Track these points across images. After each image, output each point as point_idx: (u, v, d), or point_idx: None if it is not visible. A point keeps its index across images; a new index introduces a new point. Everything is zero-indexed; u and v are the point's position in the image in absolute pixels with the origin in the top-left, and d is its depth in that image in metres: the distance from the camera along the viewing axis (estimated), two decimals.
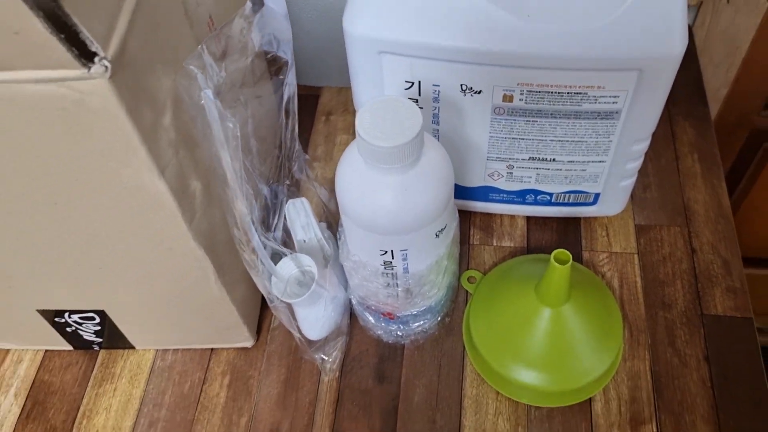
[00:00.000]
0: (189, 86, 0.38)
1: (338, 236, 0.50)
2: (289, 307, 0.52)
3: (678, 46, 0.45)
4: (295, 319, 0.52)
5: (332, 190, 0.62)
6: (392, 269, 0.47)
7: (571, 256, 0.47)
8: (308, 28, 0.66)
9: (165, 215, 0.41)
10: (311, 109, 0.71)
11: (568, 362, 0.51)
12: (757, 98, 0.88)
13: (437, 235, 0.46)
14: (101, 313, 0.51)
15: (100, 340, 0.55)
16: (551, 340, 0.51)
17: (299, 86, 0.71)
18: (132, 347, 0.56)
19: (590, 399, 0.52)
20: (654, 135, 0.53)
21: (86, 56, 0.31)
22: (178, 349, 0.56)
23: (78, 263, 0.45)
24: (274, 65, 0.47)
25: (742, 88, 0.85)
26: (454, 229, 0.49)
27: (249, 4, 0.40)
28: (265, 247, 0.47)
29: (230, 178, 0.38)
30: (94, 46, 0.31)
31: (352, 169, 0.44)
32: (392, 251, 0.45)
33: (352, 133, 0.69)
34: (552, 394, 0.51)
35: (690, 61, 0.71)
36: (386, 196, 0.42)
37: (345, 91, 0.72)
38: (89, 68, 0.31)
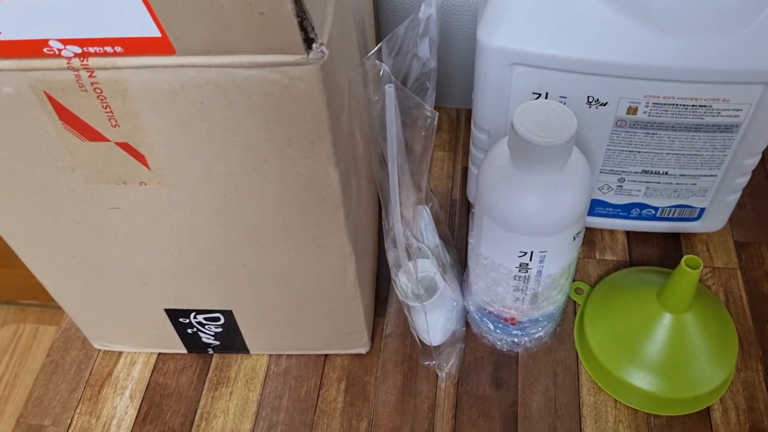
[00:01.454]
0: (360, 84, 0.39)
1: (468, 239, 0.51)
2: (408, 310, 0.53)
3: None
4: (414, 324, 0.53)
5: (443, 203, 0.64)
6: (527, 272, 0.48)
7: (701, 262, 0.48)
8: None
9: (328, 208, 0.42)
10: None
11: (687, 370, 0.52)
12: None
13: (574, 238, 0.47)
14: (228, 314, 0.52)
15: (217, 343, 0.55)
16: (671, 346, 0.51)
17: None
18: (246, 351, 0.57)
19: (708, 409, 0.52)
20: None
21: (307, 42, 0.33)
22: (291, 355, 0.57)
23: (224, 259, 0.46)
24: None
25: None
26: (582, 234, 0.50)
27: (423, 7, 0.42)
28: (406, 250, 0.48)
29: (391, 178, 0.40)
30: (313, 33, 0.33)
31: (499, 169, 0.45)
32: (531, 252, 0.47)
33: (447, 150, 0.71)
34: (670, 402, 0.52)
35: None
36: (537, 197, 0.44)
37: (440, 111, 0.73)
38: (308, 54, 0.33)
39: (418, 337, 0.54)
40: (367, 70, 0.39)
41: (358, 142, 0.43)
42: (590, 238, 0.63)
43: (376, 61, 0.38)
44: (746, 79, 0.48)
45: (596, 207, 0.60)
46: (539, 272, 0.48)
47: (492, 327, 0.55)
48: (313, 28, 0.32)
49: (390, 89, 0.38)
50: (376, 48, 0.39)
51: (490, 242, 0.48)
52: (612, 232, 0.63)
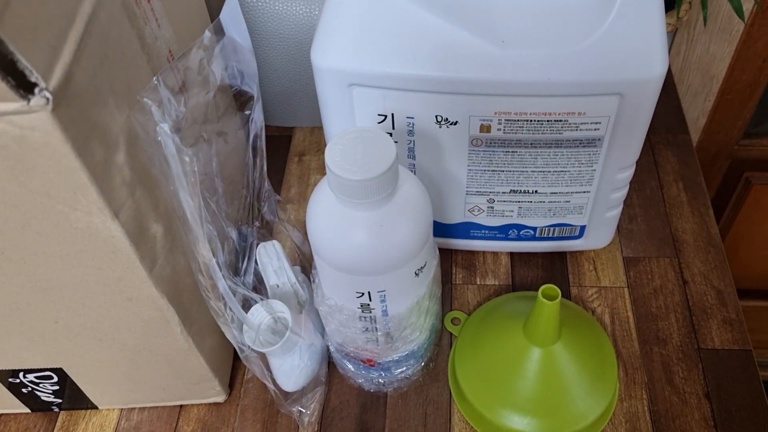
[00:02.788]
0: (145, 121, 0.35)
1: (312, 279, 0.47)
2: (263, 357, 0.49)
3: (658, 68, 0.43)
4: (269, 369, 0.49)
5: (306, 232, 0.60)
6: (370, 312, 0.44)
7: (560, 291, 0.44)
8: (278, 67, 0.64)
9: (122, 262, 0.38)
10: (284, 150, 0.68)
11: (562, 405, 0.48)
12: (736, 128, 0.87)
13: (417, 274, 0.43)
14: (59, 372, 0.48)
15: (59, 400, 0.51)
16: (543, 382, 0.48)
17: (270, 127, 0.69)
18: (95, 407, 0.52)
19: None
20: (637, 165, 0.51)
21: (26, 87, 0.28)
22: (144, 407, 0.52)
23: (32, 317, 0.42)
24: (239, 100, 0.44)
25: (721, 118, 0.84)
26: (434, 267, 0.46)
27: (208, 34, 0.38)
28: (234, 294, 0.44)
29: (190, 218, 0.36)
30: (34, 77, 0.28)
31: (324, 206, 0.41)
32: (369, 293, 0.43)
33: (323, 174, 0.67)
34: None
35: (668, 89, 0.70)
36: (360, 234, 0.40)
37: (318, 131, 0.69)
38: (29, 100, 0.29)
39: (275, 382, 0.50)
40: (149, 106, 0.35)
41: (158, 184, 0.39)
42: (471, 261, 0.59)
43: (145, 99, 0.33)
44: (596, 91, 0.44)
45: (472, 230, 0.56)
46: (384, 312, 0.44)
47: (353, 368, 0.51)
48: (32, 71, 0.28)
49: (163, 126, 0.34)
50: (150, 85, 0.35)
51: (329, 283, 0.44)
52: (495, 254, 0.59)
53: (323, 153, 0.68)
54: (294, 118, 0.69)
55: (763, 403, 0.50)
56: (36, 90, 0.29)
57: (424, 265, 0.44)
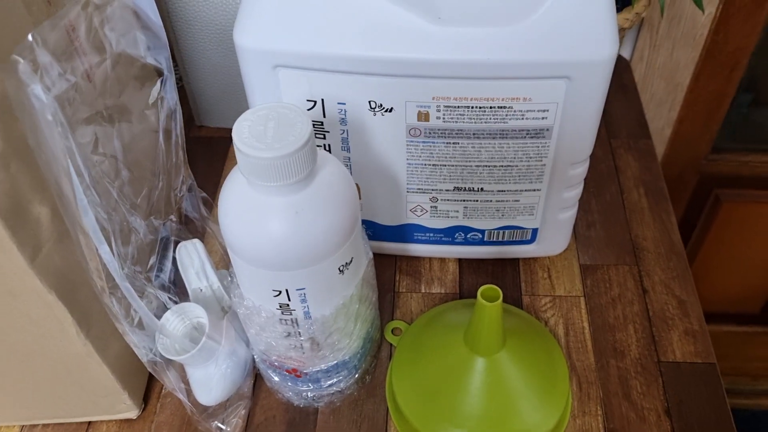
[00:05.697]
0: (18, 87, 0.31)
1: (229, 278, 0.42)
2: (181, 367, 0.44)
3: (607, 50, 0.40)
4: (186, 382, 0.44)
5: None
6: (291, 314, 0.40)
7: (500, 292, 0.40)
8: (214, 62, 0.60)
9: None
10: (221, 152, 0.64)
11: (507, 420, 0.43)
12: (704, 141, 0.84)
13: (341, 271, 0.39)
14: None
15: None
16: (486, 395, 0.43)
17: (207, 128, 0.65)
18: None
19: None
20: (596, 170, 0.47)
21: None
22: (48, 424, 0.47)
23: None
24: (148, 77, 0.40)
25: (687, 130, 0.81)
26: (364, 266, 0.42)
27: None
28: (143, 294, 0.39)
29: (66, 192, 0.31)
30: None
31: (235, 193, 0.37)
32: (287, 291, 0.38)
33: None
34: None
35: (630, 93, 0.66)
36: (274, 222, 0.36)
37: None
38: None
39: (191, 395, 0.45)
40: (18, 64, 0.31)
41: (40, 163, 0.34)
42: (416, 268, 0.54)
43: (14, 56, 0.29)
44: (541, 74, 0.41)
45: (415, 233, 0.52)
46: (306, 314, 0.40)
47: (278, 380, 0.46)
48: None
49: (34, 88, 0.29)
50: (25, 42, 0.30)
51: (244, 281, 0.40)
52: (443, 260, 0.55)
53: None
54: (231, 117, 0.65)
55: (727, 420, 0.45)
56: None
57: (350, 261, 0.39)
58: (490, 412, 0.43)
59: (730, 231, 0.96)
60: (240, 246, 0.37)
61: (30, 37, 0.30)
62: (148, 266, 0.42)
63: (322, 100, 0.43)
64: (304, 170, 0.34)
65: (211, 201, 0.51)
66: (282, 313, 0.40)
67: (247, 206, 0.36)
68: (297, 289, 0.38)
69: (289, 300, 0.39)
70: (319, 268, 0.37)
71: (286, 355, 0.43)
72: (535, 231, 0.52)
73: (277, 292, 0.38)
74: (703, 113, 0.78)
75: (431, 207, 0.50)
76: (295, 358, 0.43)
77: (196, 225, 0.49)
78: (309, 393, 0.46)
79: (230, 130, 0.65)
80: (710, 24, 0.67)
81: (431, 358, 0.45)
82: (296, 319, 0.40)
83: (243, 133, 0.34)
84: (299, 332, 0.41)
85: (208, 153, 0.64)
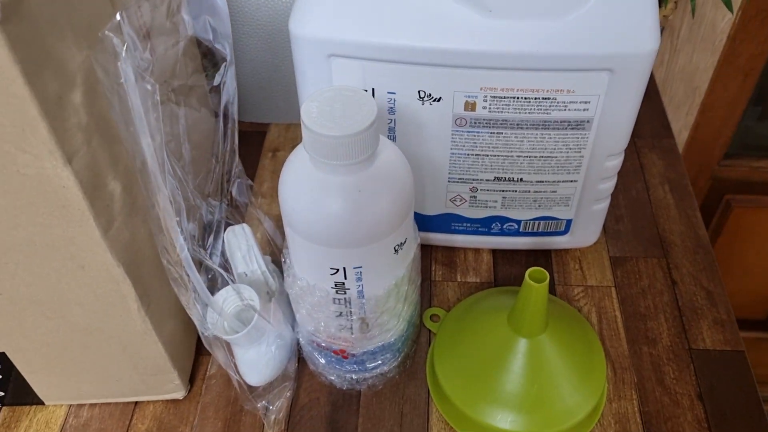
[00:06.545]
0: (106, 62, 0.32)
1: (283, 260, 0.44)
2: (228, 346, 0.45)
3: (650, 44, 0.42)
4: (233, 359, 0.45)
5: (279, 225, 0.56)
6: (345, 293, 0.41)
7: (547, 274, 0.41)
8: (254, 56, 0.62)
9: (74, 217, 0.34)
10: (257, 145, 0.66)
11: (548, 401, 0.44)
12: (718, 146, 0.86)
13: (396, 251, 0.40)
14: (2, 358, 0.43)
15: (1, 394, 0.47)
16: (529, 375, 0.44)
17: (244, 123, 0.67)
18: (41, 402, 0.48)
19: None
20: (622, 168, 0.49)
21: None
22: (95, 404, 0.48)
23: None
24: (208, 63, 0.42)
25: (702, 135, 0.83)
26: (414, 248, 0.43)
27: None
28: (200, 267, 0.40)
29: (150, 163, 0.32)
30: None
31: (298, 170, 0.38)
32: (344, 269, 0.39)
33: None
34: None
35: (652, 94, 0.68)
36: (337, 201, 0.37)
37: (293, 128, 0.67)
38: None
39: (240, 376, 0.46)
40: (110, 39, 0.32)
41: (124, 136, 0.35)
42: (451, 258, 0.56)
43: (107, 32, 0.31)
44: (585, 66, 0.42)
45: (452, 223, 0.54)
46: (360, 293, 0.41)
47: (324, 362, 0.47)
48: None
49: (126, 66, 0.31)
50: (113, 22, 0.32)
51: (301, 259, 0.41)
52: (477, 251, 0.56)
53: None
54: (268, 113, 0.67)
55: (757, 405, 0.47)
56: None
57: (404, 242, 0.41)
58: (532, 393, 0.44)
59: (740, 236, 0.98)
60: (301, 223, 0.39)
61: (118, 16, 0.32)
62: (207, 245, 0.43)
63: (373, 89, 0.45)
64: (369, 150, 0.36)
65: (256, 190, 0.52)
66: (336, 291, 0.41)
67: (310, 185, 0.37)
68: (354, 268, 0.39)
69: (345, 278, 0.40)
70: (376, 246, 0.39)
71: (335, 335, 0.44)
72: (569, 222, 0.53)
73: (334, 270, 0.40)
74: (718, 118, 0.80)
75: (470, 197, 0.51)
76: (344, 338, 0.44)
77: (241, 210, 0.50)
78: (353, 375, 0.47)
79: (266, 125, 0.67)
80: (729, 29, 0.69)
81: (473, 341, 0.47)
82: (349, 299, 0.41)
83: (312, 113, 0.35)
84: (351, 311, 0.42)
85: (242, 148, 0.65)
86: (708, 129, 0.81)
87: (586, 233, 0.55)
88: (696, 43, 0.70)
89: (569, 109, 0.45)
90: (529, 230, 0.54)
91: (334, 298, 0.41)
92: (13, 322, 0.41)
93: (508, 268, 0.55)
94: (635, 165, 0.63)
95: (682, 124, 0.79)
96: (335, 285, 0.41)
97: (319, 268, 0.40)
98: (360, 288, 0.41)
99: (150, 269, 0.41)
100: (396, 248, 0.40)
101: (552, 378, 0.45)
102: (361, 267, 0.39)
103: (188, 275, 0.39)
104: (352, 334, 0.44)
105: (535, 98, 0.44)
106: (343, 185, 0.37)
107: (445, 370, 0.47)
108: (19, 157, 0.31)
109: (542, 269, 0.42)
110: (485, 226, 0.54)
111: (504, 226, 0.53)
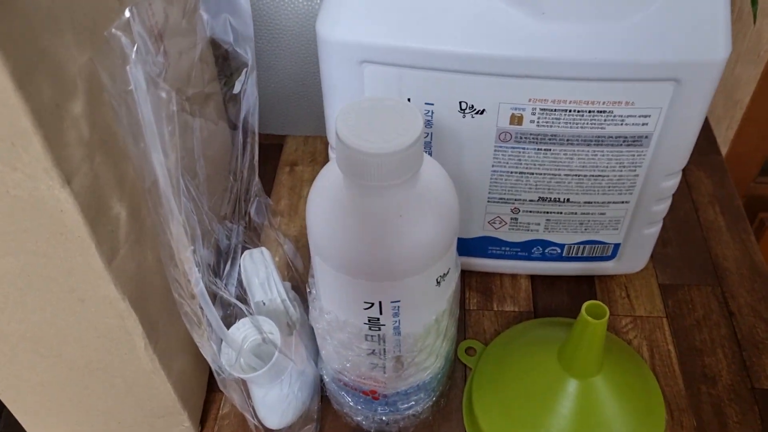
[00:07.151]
0: (112, 67, 0.28)
1: (308, 291, 0.39)
2: (244, 384, 0.40)
3: (721, 51, 0.37)
4: (250, 400, 0.41)
5: (298, 246, 0.52)
6: (379, 330, 0.36)
7: (608, 309, 0.37)
8: (271, 65, 0.57)
9: (73, 245, 0.30)
10: (274, 159, 0.61)
11: None
12: (754, 162, 0.82)
13: (438, 283, 0.36)
14: None
15: None
16: (580, 420, 0.40)
17: (259, 135, 0.62)
18: None
19: None
20: None
21: None
22: None
23: None
24: (225, 69, 0.37)
25: (740, 150, 0.78)
26: (456, 279, 0.38)
27: None
28: (214, 300, 0.35)
29: (162, 184, 0.28)
30: None
31: (330, 191, 0.33)
32: (380, 303, 0.35)
33: None
34: None
35: None
36: (374, 226, 0.32)
37: (312, 141, 0.62)
38: None
39: (257, 417, 0.41)
40: (117, 37, 0.28)
41: (127, 155, 0.31)
42: (487, 285, 0.51)
43: (114, 31, 0.26)
44: (648, 75, 0.38)
45: (489, 246, 0.49)
46: (396, 329, 0.36)
47: (352, 402, 0.42)
48: None
49: (136, 71, 0.26)
50: (122, 19, 0.27)
51: (330, 291, 0.37)
52: (514, 277, 0.52)
53: (317, 164, 0.61)
54: (286, 125, 0.62)
55: None
56: None
57: (447, 272, 0.36)
58: None
59: None
60: (332, 251, 0.34)
61: (127, 13, 0.27)
62: (223, 274, 0.39)
63: (409, 99, 0.40)
64: (413, 168, 0.31)
65: (274, 209, 0.48)
66: (370, 328, 0.36)
67: (343, 207, 0.33)
68: (392, 302, 0.35)
69: (381, 313, 0.35)
70: (418, 278, 0.34)
71: (366, 374, 0.39)
72: (616, 247, 0.48)
73: (369, 305, 0.35)
74: (757, 134, 0.75)
75: (511, 219, 0.47)
76: (375, 378, 0.39)
77: (258, 232, 0.46)
78: (383, 417, 0.42)
79: (282, 137, 0.63)
80: None
81: (517, 378, 0.42)
82: (384, 336, 0.37)
83: (348, 126, 0.31)
84: (384, 350, 0.38)
85: (259, 160, 0.61)
86: (746, 144, 0.77)
87: (634, 259, 0.50)
88: (740, 54, 0.66)
89: (626, 124, 0.40)
90: (573, 255, 0.49)
91: (367, 335, 0.37)
92: (3, 359, 0.36)
93: (548, 296, 0.50)
94: (681, 183, 0.58)
95: (721, 139, 0.74)
96: (369, 320, 0.36)
97: (352, 301, 0.35)
98: (396, 324, 0.36)
99: (158, 302, 0.36)
100: (438, 280, 0.35)
101: (606, 424, 0.40)
102: (399, 301, 0.35)
103: (202, 309, 0.35)
104: (384, 373, 0.39)
105: (590, 111, 0.40)
106: (382, 209, 0.32)
107: (485, 411, 0.42)
108: (9, 176, 0.27)
109: (601, 304, 0.37)
110: (525, 250, 0.49)
111: (546, 251, 0.49)
